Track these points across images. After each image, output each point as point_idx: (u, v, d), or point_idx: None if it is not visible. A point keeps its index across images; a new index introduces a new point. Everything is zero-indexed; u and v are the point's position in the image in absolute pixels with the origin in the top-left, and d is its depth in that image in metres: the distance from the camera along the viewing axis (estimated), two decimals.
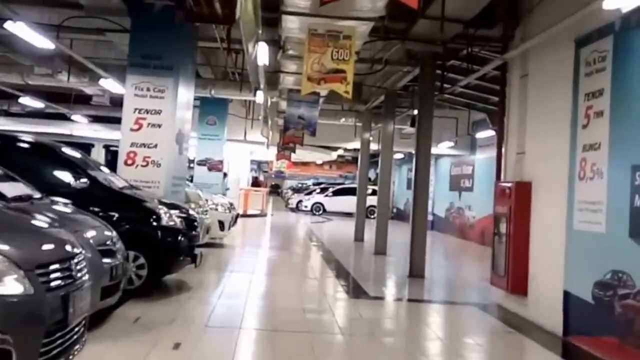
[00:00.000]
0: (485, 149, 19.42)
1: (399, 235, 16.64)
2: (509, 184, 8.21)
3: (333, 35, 7.53)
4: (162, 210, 7.72)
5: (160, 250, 7.57)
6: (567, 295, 6.71)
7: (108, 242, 5.84)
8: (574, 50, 6.93)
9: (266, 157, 34.94)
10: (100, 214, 6.84)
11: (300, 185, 54.95)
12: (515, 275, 7.88)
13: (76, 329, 3.87)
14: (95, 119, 21.10)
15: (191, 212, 8.97)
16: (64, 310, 3.64)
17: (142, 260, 7.36)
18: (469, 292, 10.54)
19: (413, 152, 10.12)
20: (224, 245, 14.35)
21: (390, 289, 10.50)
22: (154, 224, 7.51)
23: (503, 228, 8.20)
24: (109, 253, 5.76)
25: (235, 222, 15.85)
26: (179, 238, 7.75)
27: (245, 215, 25.57)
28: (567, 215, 6.77)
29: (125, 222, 7.19)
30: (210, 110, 19.45)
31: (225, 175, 21.69)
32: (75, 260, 3.95)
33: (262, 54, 8.80)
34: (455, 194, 22.24)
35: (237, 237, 16.98)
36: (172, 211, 7.95)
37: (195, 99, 19.01)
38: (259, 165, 51.67)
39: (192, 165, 21.45)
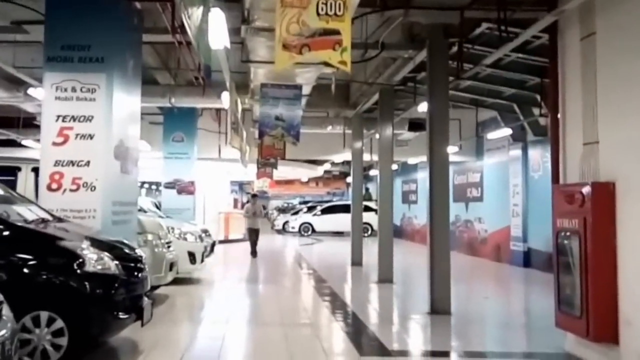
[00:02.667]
0: (494, 153, 17.16)
1: (401, 255, 14.39)
2: (580, 188, 5.80)
3: None
4: (87, 251, 5.63)
5: (84, 308, 5.51)
6: None
7: None
8: None
9: (246, 177, 32.43)
10: None
11: (286, 205, 53.23)
12: (598, 317, 5.50)
13: None
14: None
15: (137, 250, 6.75)
16: None
17: (60, 323, 5.36)
18: (520, 335, 8.00)
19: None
20: (197, 280, 12.14)
21: (414, 336, 7.89)
22: (77, 271, 5.47)
23: (573, 249, 5.80)
24: None
25: (212, 251, 13.63)
26: (114, 288, 5.69)
27: (226, 241, 23.43)
28: None
29: (33, 271, 5.41)
30: (176, 125, 16.89)
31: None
32: None
33: (217, 27, 6.08)
34: (461, 205, 19.73)
35: (215, 268, 14.59)
36: (105, 252, 5.77)
37: (158, 114, 16.97)
38: (240, 186, 49.48)
39: (160, 188, 19.12)
